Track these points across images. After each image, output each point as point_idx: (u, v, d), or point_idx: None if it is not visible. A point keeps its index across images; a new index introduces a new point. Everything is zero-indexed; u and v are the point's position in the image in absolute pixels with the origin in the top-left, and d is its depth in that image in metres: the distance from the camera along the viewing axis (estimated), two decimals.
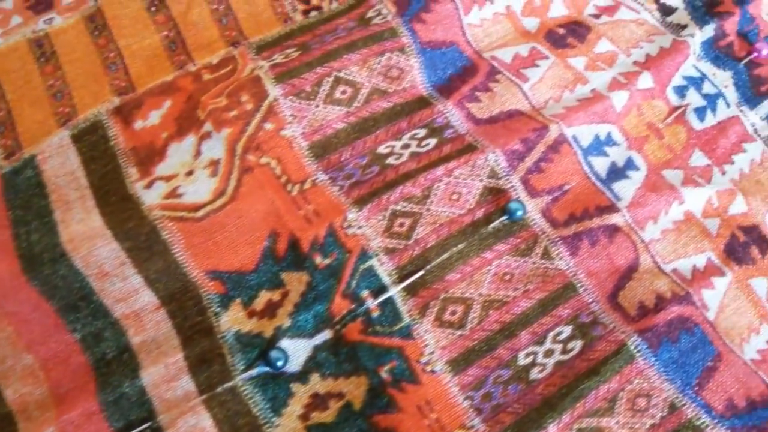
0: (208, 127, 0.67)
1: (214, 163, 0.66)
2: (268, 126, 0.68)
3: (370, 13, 0.75)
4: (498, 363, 0.61)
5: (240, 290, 0.62)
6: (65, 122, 0.70)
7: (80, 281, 0.61)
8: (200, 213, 0.64)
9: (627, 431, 0.58)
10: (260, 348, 0.60)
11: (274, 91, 0.69)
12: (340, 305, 0.62)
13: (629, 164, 0.71)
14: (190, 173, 0.66)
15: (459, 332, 0.62)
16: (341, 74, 0.70)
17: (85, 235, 0.63)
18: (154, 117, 0.69)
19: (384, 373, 0.59)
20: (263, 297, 0.62)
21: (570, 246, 0.66)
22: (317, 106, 0.70)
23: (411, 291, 0.63)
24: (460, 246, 0.65)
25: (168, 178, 0.65)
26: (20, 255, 0.63)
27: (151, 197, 0.64)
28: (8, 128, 0.70)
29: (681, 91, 0.76)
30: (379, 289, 0.63)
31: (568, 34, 0.78)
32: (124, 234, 0.63)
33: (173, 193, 0.65)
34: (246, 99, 0.68)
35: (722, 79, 0.78)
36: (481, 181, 0.68)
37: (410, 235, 0.65)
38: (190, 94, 0.70)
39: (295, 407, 0.58)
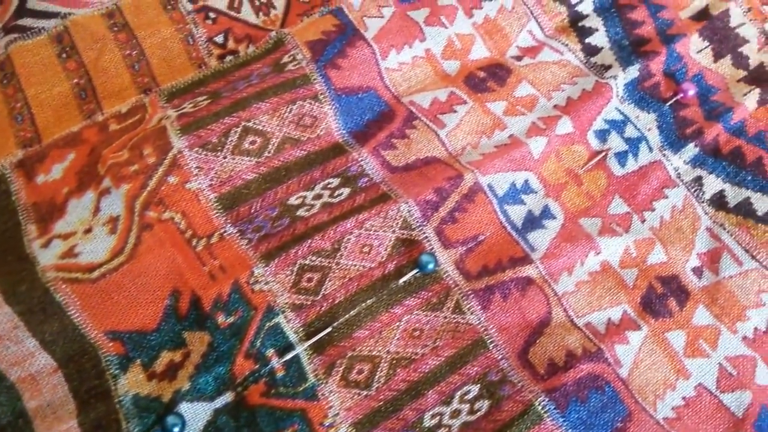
0: (107, 182, 0.65)
1: (113, 221, 0.64)
2: (172, 179, 0.66)
3: (285, 59, 0.73)
4: (403, 424, 0.59)
5: (140, 351, 0.60)
6: None
7: None
8: (95, 274, 0.61)
9: None
10: (157, 413, 0.58)
11: (178, 143, 0.67)
12: (243, 366, 0.60)
13: (545, 213, 0.69)
14: (88, 231, 0.63)
15: (365, 392, 0.60)
16: (250, 124, 0.68)
17: None
18: (57, 171, 0.67)
19: None
20: (164, 358, 0.60)
21: (482, 299, 0.64)
22: (225, 158, 0.67)
23: (317, 349, 0.61)
24: (369, 301, 0.63)
25: (66, 236, 0.63)
26: None
27: (46, 257, 0.62)
28: None
29: (602, 135, 0.75)
30: (285, 348, 0.61)
31: (488, 78, 0.77)
32: (16, 297, 0.60)
33: (70, 253, 0.62)
34: (149, 152, 0.66)
35: (646, 121, 0.76)
36: (393, 232, 0.66)
37: (318, 290, 0.63)
38: (94, 146, 0.67)
39: None
